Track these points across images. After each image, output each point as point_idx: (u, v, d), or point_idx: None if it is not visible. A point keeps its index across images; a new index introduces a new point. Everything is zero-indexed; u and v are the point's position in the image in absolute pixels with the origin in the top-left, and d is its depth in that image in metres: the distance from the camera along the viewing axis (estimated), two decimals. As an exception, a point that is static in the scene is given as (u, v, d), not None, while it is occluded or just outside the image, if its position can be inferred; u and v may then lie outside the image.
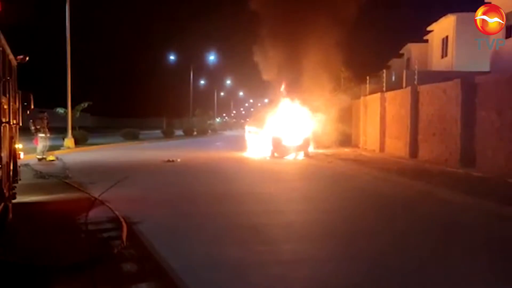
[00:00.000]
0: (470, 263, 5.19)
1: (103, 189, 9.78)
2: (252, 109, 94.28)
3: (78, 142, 23.55)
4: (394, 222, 7.30)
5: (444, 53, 27.01)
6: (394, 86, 21.59)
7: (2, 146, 5.44)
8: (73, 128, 23.80)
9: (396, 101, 19.70)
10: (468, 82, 14.19)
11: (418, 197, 9.86)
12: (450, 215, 7.96)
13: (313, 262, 5.24)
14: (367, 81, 24.63)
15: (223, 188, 10.86)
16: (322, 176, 13.65)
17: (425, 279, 4.70)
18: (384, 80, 22.45)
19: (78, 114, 27.51)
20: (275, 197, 9.66)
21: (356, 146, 24.90)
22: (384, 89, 21.72)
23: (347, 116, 25.29)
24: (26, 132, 14.00)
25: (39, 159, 16.26)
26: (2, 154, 5.50)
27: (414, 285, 4.56)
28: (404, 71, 22.30)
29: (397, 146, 19.19)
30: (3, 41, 5.47)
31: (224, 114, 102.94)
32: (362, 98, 24.61)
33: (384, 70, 23.85)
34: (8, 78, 6.07)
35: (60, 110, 26.25)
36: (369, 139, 23.24)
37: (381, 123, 21.10)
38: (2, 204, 5.34)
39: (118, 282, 4.49)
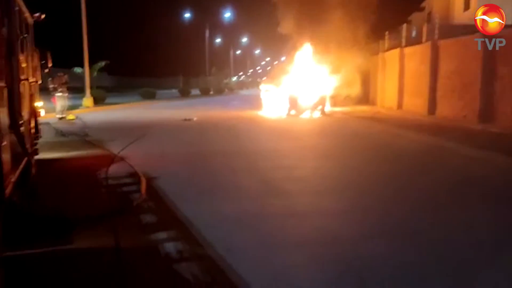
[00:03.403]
0: (471, 212, 5.30)
1: (122, 146, 10.00)
2: (268, 68, 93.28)
3: (96, 101, 23.81)
4: (406, 177, 7.38)
5: (466, 6, 26.02)
6: (414, 41, 21.00)
7: (22, 103, 5.57)
8: (91, 88, 24.02)
9: (416, 57, 19.26)
10: (490, 36, 13.76)
11: (432, 152, 9.96)
12: (462, 168, 8.00)
13: (325, 214, 5.36)
14: (386, 37, 24.01)
15: (239, 145, 10.99)
16: (338, 134, 13.64)
17: (432, 226, 4.82)
18: (404, 35, 21.81)
19: (95, 73, 27.69)
20: (290, 154, 9.75)
21: (374, 104, 24.64)
22: (403, 44, 21.17)
23: (365, 74, 24.85)
24: (46, 91, 14.22)
25: (59, 118, 16.57)
26: (23, 111, 5.64)
27: (422, 233, 4.67)
28: (425, 25, 21.59)
29: (416, 103, 18.93)
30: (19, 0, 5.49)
31: (240, 73, 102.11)
32: (380, 54, 24.10)
33: (404, 25, 23.15)
34: (26, 35, 6.12)
35: (78, 70, 26.45)
36: (387, 97, 22.93)
37: (400, 80, 20.74)
38: (25, 159, 5.52)
39: (138, 232, 4.69)
